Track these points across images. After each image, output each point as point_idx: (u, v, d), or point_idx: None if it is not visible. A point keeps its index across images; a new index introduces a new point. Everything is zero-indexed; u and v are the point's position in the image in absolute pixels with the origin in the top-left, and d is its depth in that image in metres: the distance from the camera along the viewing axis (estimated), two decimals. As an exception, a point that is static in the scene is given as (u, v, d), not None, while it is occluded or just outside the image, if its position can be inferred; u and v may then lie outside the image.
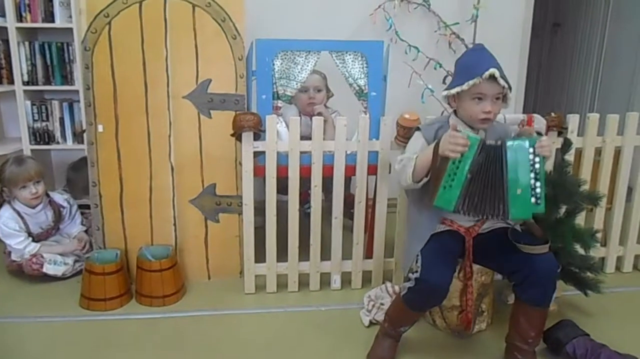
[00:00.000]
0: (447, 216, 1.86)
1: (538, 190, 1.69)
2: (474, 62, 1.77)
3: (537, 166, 1.69)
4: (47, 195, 2.59)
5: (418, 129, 1.93)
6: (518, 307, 1.87)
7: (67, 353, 1.97)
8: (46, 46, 2.95)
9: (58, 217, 2.60)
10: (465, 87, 1.74)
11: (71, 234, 2.66)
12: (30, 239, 2.48)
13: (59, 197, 2.65)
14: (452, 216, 1.84)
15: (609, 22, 4.35)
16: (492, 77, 1.71)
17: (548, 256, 1.80)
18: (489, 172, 1.69)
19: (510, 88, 1.76)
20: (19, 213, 2.48)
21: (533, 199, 1.70)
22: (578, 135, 2.43)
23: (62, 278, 2.47)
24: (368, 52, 2.40)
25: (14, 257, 2.48)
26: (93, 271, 2.24)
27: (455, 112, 1.88)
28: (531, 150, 1.68)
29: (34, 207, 2.51)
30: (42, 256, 2.43)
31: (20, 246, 2.44)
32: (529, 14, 3.49)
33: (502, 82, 1.72)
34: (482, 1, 3.21)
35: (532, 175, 1.69)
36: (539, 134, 1.72)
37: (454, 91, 1.78)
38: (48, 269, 2.42)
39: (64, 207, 2.64)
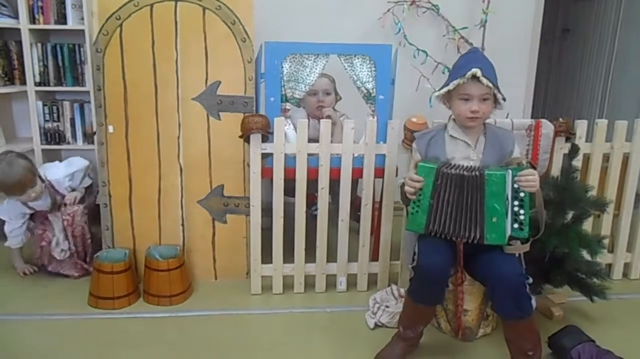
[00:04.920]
0: None
1: (522, 217, 1.74)
2: (463, 63, 1.81)
3: (521, 194, 1.73)
4: (43, 181, 2.48)
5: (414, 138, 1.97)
6: (503, 323, 1.83)
7: (74, 351, 2.00)
8: (58, 48, 2.98)
9: (54, 202, 2.52)
10: (450, 87, 1.80)
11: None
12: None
13: (53, 176, 2.56)
14: None
15: (620, 27, 4.33)
16: (475, 77, 1.74)
17: (510, 261, 1.77)
18: (458, 198, 1.76)
19: (498, 89, 1.78)
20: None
21: (516, 225, 1.75)
22: (586, 141, 2.43)
23: (64, 274, 2.51)
24: (376, 55, 2.41)
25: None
26: (102, 269, 2.26)
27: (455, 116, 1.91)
28: (515, 179, 1.73)
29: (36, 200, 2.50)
30: (52, 234, 2.48)
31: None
32: (538, 19, 3.48)
33: (485, 81, 1.74)
34: (491, 6, 3.21)
35: (516, 203, 1.73)
36: (531, 164, 1.77)
37: (442, 91, 1.84)
38: (52, 246, 2.47)
39: (59, 193, 2.56)
